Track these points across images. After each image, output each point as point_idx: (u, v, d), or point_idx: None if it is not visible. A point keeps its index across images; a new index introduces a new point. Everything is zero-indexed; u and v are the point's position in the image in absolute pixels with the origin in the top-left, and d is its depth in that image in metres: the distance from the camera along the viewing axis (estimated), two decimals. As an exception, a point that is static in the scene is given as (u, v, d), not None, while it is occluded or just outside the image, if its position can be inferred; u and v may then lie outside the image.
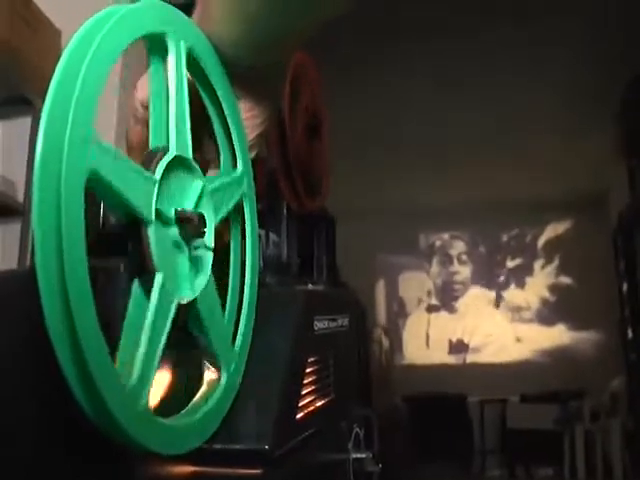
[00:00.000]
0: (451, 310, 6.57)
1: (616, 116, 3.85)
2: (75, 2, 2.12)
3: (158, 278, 0.43)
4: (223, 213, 0.53)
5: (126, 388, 0.40)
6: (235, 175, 0.56)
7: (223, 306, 0.54)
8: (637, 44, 3.15)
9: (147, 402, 0.42)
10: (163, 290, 0.43)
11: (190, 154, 0.49)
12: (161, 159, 0.46)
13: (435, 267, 6.67)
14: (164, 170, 0.45)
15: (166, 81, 0.49)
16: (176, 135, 0.48)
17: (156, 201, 0.43)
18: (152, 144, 0.48)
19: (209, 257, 0.50)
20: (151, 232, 0.43)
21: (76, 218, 0.35)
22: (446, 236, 6.63)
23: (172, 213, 0.46)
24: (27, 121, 2.10)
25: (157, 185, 0.44)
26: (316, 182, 1.05)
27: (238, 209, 0.57)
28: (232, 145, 0.57)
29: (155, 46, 0.48)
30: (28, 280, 0.37)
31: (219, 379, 0.52)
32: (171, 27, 0.48)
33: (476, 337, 6.44)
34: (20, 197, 2.06)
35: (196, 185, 0.50)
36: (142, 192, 0.42)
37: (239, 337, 0.55)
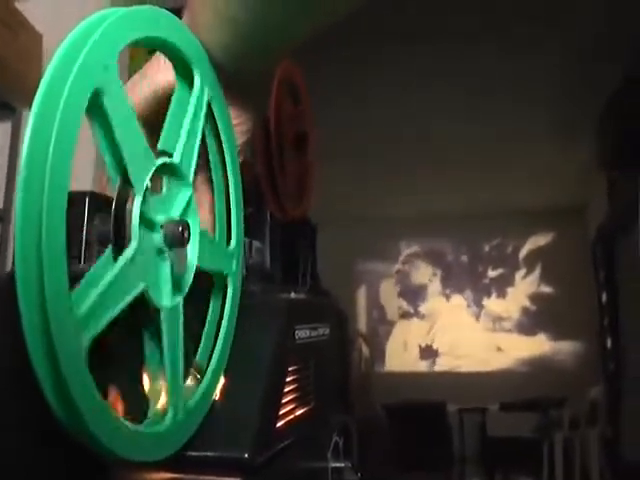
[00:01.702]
0: (431, 319, 6.59)
1: (597, 129, 3.89)
2: (57, 6, 2.12)
3: (140, 287, 0.43)
4: (206, 266, 0.53)
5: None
6: (227, 252, 0.56)
7: (205, 313, 0.54)
8: (619, 59, 3.19)
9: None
10: (132, 263, 0.42)
11: (192, 169, 0.50)
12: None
13: (416, 276, 6.69)
14: (164, 169, 0.46)
15: (189, 98, 0.51)
16: (183, 146, 0.49)
17: (142, 209, 0.43)
18: (161, 146, 0.48)
19: (192, 265, 0.50)
20: (136, 206, 0.43)
21: (57, 230, 0.35)
22: (427, 245, 6.65)
23: (157, 220, 0.46)
24: (7, 126, 2.09)
25: (155, 166, 0.45)
26: (300, 190, 1.05)
27: (222, 283, 0.57)
28: (229, 219, 0.57)
29: (180, 65, 0.51)
30: (7, 287, 0.37)
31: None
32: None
33: (456, 345, 6.46)
34: (0, 201, 2.05)
35: (184, 194, 0.50)
36: (140, 165, 0.43)
37: (219, 343, 0.55)
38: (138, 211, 0.43)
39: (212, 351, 0.54)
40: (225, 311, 0.56)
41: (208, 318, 0.56)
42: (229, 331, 0.56)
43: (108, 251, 0.42)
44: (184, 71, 0.51)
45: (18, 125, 2.08)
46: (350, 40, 2.79)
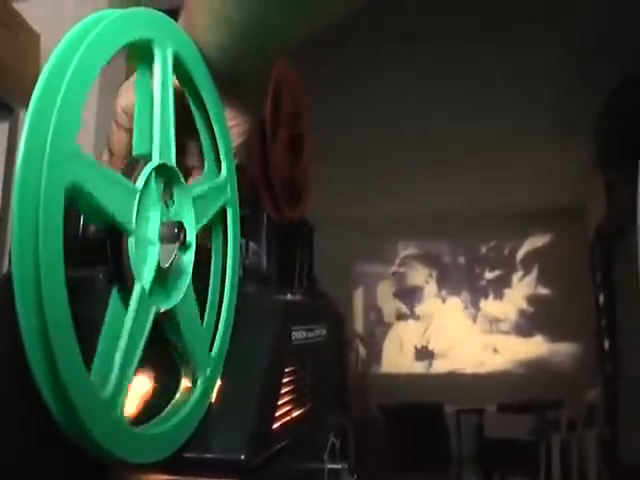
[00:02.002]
0: (428, 321, 6.58)
1: (594, 129, 3.89)
2: (55, 6, 2.12)
3: (137, 289, 0.43)
4: (205, 220, 0.53)
5: (100, 399, 0.39)
6: (218, 181, 0.56)
7: (202, 313, 0.55)
8: (618, 59, 3.19)
9: (121, 413, 0.42)
10: (142, 301, 0.43)
11: (173, 161, 0.49)
12: (143, 168, 0.45)
13: (413, 277, 6.69)
14: (146, 178, 0.45)
15: (152, 87, 0.48)
16: (160, 142, 0.48)
17: (137, 211, 0.43)
18: (135, 151, 0.48)
19: (189, 265, 0.50)
20: (131, 243, 0.43)
21: (54, 230, 0.35)
22: (425, 246, 6.65)
23: (153, 222, 0.46)
24: (5, 126, 2.09)
25: (138, 195, 0.44)
26: (296, 192, 1.05)
27: (220, 215, 0.57)
28: (216, 150, 0.57)
29: (141, 53, 0.48)
30: (4, 287, 0.37)
31: (194, 387, 0.52)
32: (157, 33, 0.48)
33: (452, 347, 6.46)
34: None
35: (178, 192, 0.49)
36: (123, 203, 0.42)
37: (216, 344, 0.55)
38: (134, 250, 0.43)
39: (211, 348, 0.54)
40: (229, 239, 0.58)
41: (212, 265, 0.57)
42: (229, 315, 0.57)
43: (115, 298, 0.42)
44: (143, 54, 0.49)
45: (16, 125, 2.07)
46: (349, 40, 2.78)
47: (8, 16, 1.93)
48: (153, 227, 0.46)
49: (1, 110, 2.05)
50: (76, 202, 0.39)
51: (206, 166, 0.56)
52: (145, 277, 0.44)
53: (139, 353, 0.42)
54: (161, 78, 0.48)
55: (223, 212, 0.57)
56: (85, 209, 0.41)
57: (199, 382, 0.52)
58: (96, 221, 0.43)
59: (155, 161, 0.47)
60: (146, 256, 0.45)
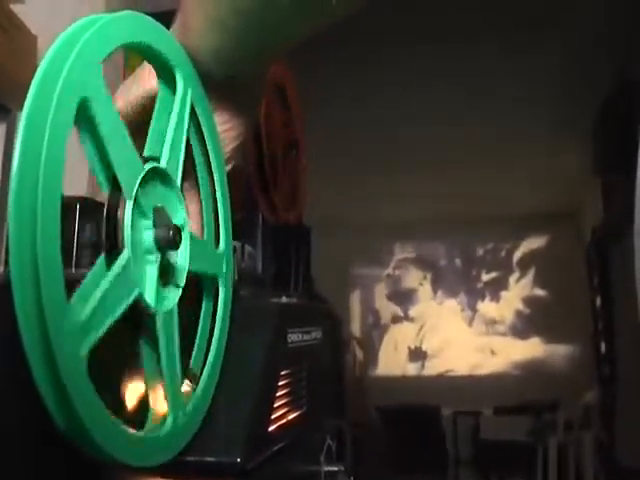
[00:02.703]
0: (424, 323, 6.59)
1: (593, 131, 3.90)
2: (52, 8, 2.12)
3: (124, 254, 0.42)
4: (197, 269, 0.53)
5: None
6: (216, 253, 0.56)
7: (197, 318, 0.55)
8: (617, 61, 3.20)
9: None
10: (125, 270, 0.42)
11: (179, 181, 0.50)
12: (154, 163, 0.47)
13: (409, 280, 6.70)
14: (150, 173, 0.46)
15: (172, 102, 0.51)
16: (170, 149, 0.49)
17: (139, 185, 0.44)
18: (146, 152, 0.48)
19: (184, 269, 0.50)
20: (128, 209, 0.43)
21: (52, 234, 0.35)
22: (422, 248, 6.65)
23: (147, 227, 0.46)
24: (1, 128, 2.09)
25: (143, 174, 0.45)
26: (292, 194, 1.05)
27: (213, 286, 0.57)
28: (217, 222, 0.57)
29: (164, 71, 0.51)
30: (1, 289, 0.37)
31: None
32: (178, 60, 0.50)
33: (449, 349, 6.46)
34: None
35: (175, 199, 0.50)
36: (130, 171, 0.43)
37: (212, 348, 0.55)
38: (130, 218, 0.43)
39: (206, 356, 0.55)
40: (217, 314, 0.56)
41: (200, 322, 0.55)
42: (222, 334, 0.56)
43: (101, 259, 0.42)
44: (166, 74, 0.51)
45: (13, 127, 2.07)
46: (349, 40, 2.79)
47: (4, 17, 1.93)
48: (148, 230, 0.46)
49: (-3, 112, 2.06)
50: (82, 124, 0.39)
51: (205, 235, 0.56)
52: (135, 252, 0.44)
53: (110, 320, 0.41)
54: (180, 104, 0.51)
55: (215, 287, 0.57)
56: (92, 145, 0.41)
57: (198, 384, 0.52)
58: (101, 175, 0.43)
59: (164, 163, 0.48)
60: (140, 236, 0.45)
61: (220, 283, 0.57)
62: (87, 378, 0.38)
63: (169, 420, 0.48)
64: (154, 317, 0.46)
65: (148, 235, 0.46)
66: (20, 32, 2.00)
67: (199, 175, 0.56)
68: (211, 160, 0.56)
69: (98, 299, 0.39)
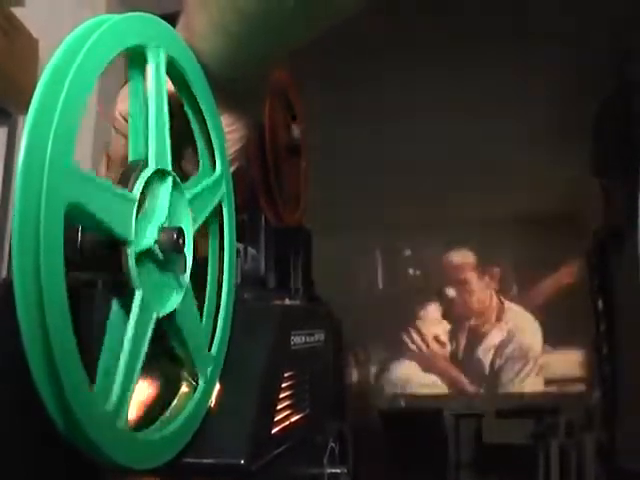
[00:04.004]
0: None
1: (593, 135, 3.89)
2: (53, 11, 2.12)
3: (137, 296, 0.43)
4: (202, 219, 0.53)
5: (104, 411, 0.40)
6: (214, 177, 0.56)
7: (200, 312, 0.55)
8: (616, 64, 3.20)
9: (125, 422, 0.42)
10: (142, 308, 0.43)
11: (169, 165, 0.49)
12: (139, 175, 0.45)
13: (411, 281, 6.69)
14: (143, 185, 0.45)
15: (145, 92, 0.48)
16: (155, 147, 0.47)
17: (135, 219, 0.43)
18: (131, 157, 0.48)
19: (187, 268, 0.50)
20: (130, 252, 0.43)
21: (55, 245, 0.35)
22: (423, 250, 6.64)
23: (151, 229, 0.45)
24: (3, 131, 2.09)
25: (136, 203, 0.44)
26: (295, 196, 1.05)
27: (217, 212, 0.57)
28: (211, 148, 0.57)
29: (135, 59, 0.48)
30: (4, 295, 0.37)
31: (193, 391, 0.52)
32: (151, 38, 0.47)
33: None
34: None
35: (175, 196, 0.49)
36: (121, 215, 0.42)
37: (215, 343, 0.55)
38: (134, 262, 0.43)
39: (209, 348, 0.54)
40: (225, 236, 0.58)
41: (209, 259, 0.56)
42: (227, 317, 0.57)
43: (116, 309, 0.42)
44: (137, 59, 0.48)
45: (14, 131, 2.07)
46: (351, 46, 2.79)
47: (6, 21, 1.93)
48: (151, 233, 0.46)
49: (-1, 116, 2.06)
50: (75, 219, 0.39)
51: (201, 164, 0.56)
52: (145, 285, 0.44)
53: (141, 362, 0.42)
54: (155, 82, 0.48)
55: (219, 209, 0.57)
56: (84, 224, 0.41)
57: (200, 383, 0.52)
58: (96, 232, 0.43)
59: (151, 167, 0.47)
60: (145, 264, 0.45)
61: (223, 204, 0.57)
62: (89, 387, 0.38)
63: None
64: (158, 321, 0.46)
65: (152, 241, 0.46)
66: (21, 35, 2.01)
67: (189, 113, 0.55)
68: (199, 103, 0.55)
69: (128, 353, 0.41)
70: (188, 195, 0.51)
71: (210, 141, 0.56)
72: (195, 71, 0.54)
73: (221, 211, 0.58)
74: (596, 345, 4.48)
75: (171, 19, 0.55)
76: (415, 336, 6.39)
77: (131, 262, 0.43)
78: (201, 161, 0.57)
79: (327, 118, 3.38)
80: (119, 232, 0.42)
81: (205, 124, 0.56)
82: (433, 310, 6.47)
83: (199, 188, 0.53)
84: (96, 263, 0.45)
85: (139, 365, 0.43)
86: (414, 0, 2.70)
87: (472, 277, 6.52)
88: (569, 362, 5.98)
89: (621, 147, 3.43)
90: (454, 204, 5.52)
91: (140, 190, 0.44)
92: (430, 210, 5.78)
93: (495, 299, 6.43)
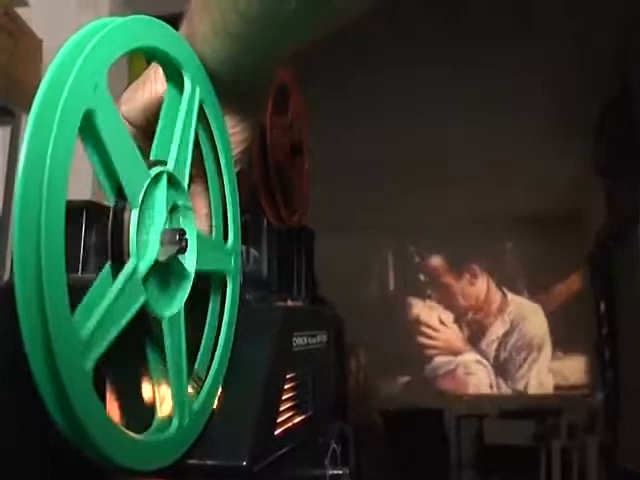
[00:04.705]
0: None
1: (595, 136, 3.90)
2: (57, 11, 2.12)
3: (130, 263, 0.42)
4: (205, 268, 0.53)
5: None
6: (225, 248, 0.56)
7: (203, 320, 0.55)
8: (618, 65, 3.20)
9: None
10: (132, 279, 0.42)
11: (186, 183, 0.50)
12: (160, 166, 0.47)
13: (414, 283, 6.69)
14: (158, 177, 0.46)
15: (179, 102, 0.51)
16: (177, 152, 0.49)
17: (145, 193, 0.44)
18: (153, 156, 0.48)
19: (191, 272, 0.50)
20: (134, 217, 0.43)
21: (57, 248, 0.35)
22: (421, 252, 6.65)
23: (153, 236, 0.46)
24: (7, 131, 2.09)
25: (149, 180, 0.45)
26: (297, 198, 1.05)
27: (221, 282, 0.57)
28: (225, 216, 0.57)
29: (171, 72, 0.51)
30: (6, 297, 0.37)
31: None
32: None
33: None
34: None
35: (171, 194, 0.49)
36: (136, 179, 0.43)
37: (219, 347, 0.55)
38: (135, 227, 0.43)
39: (212, 355, 0.55)
40: (225, 310, 0.56)
41: (207, 321, 0.55)
42: (229, 334, 0.56)
43: (106, 270, 0.42)
44: (174, 75, 0.51)
45: (17, 130, 2.08)
46: (352, 49, 2.80)
47: (10, 21, 1.93)
48: (155, 241, 0.46)
49: (3, 115, 2.06)
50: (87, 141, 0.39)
51: (214, 230, 0.56)
52: (149, 288, 0.44)
53: (116, 331, 0.41)
54: (187, 104, 0.51)
55: (224, 281, 0.57)
56: (97, 155, 0.41)
57: (204, 384, 0.53)
58: (106, 185, 0.43)
59: (170, 166, 0.48)
60: (146, 243, 0.45)
61: (229, 279, 0.57)
62: (92, 390, 0.38)
63: (173, 424, 0.48)
64: (160, 322, 0.46)
65: (155, 241, 0.46)
66: (25, 35, 2.01)
67: (207, 171, 0.56)
68: (220, 157, 0.56)
69: (103, 312, 0.39)
70: (197, 232, 0.51)
71: (225, 208, 0.57)
72: (214, 104, 0.55)
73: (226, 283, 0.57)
74: (598, 347, 4.49)
75: (173, 20, 0.55)
76: (424, 329, 6.41)
77: (132, 228, 0.43)
78: (214, 227, 0.57)
79: (330, 118, 3.39)
80: (128, 191, 0.43)
81: (223, 190, 0.57)
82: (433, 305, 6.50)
83: (210, 240, 0.54)
84: (99, 264, 0.45)
85: (110, 335, 0.42)
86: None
87: (450, 279, 6.55)
88: (571, 363, 5.98)
89: (624, 148, 3.43)
90: (454, 204, 5.52)
91: (155, 173, 0.45)
92: (430, 210, 5.78)
93: (496, 292, 6.44)
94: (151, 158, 0.48)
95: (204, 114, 0.54)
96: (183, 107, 0.50)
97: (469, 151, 4.33)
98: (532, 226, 6.06)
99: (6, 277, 1.90)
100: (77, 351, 0.36)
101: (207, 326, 0.55)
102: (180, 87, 0.51)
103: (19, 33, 1.97)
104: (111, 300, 0.40)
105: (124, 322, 0.41)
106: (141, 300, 0.43)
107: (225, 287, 0.57)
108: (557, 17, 2.90)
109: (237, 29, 0.50)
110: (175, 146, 0.49)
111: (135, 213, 0.43)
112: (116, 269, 0.42)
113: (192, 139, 0.51)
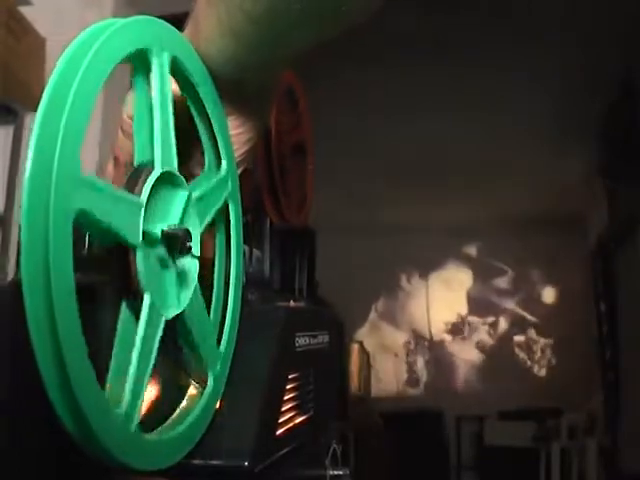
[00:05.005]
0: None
1: (597, 138, 3.89)
2: (60, 10, 2.12)
3: (146, 299, 0.43)
4: (208, 218, 0.53)
5: (115, 415, 0.40)
6: (219, 176, 0.56)
7: (207, 309, 0.55)
8: (620, 67, 3.19)
9: (136, 425, 0.42)
10: (152, 310, 0.43)
11: (175, 167, 0.49)
12: (146, 179, 0.45)
13: (415, 283, 6.69)
14: (150, 189, 0.45)
15: (150, 95, 0.48)
16: (161, 150, 0.47)
17: (143, 223, 0.43)
18: (137, 160, 0.48)
19: (194, 268, 0.50)
20: (138, 256, 0.43)
21: (64, 254, 0.36)
22: (424, 253, 6.64)
23: (158, 232, 0.45)
24: (9, 130, 2.09)
25: (143, 208, 0.44)
26: (300, 198, 1.05)
27: (223, 211, 0.57)
28: (216, 145, 0.57)
29: (139, 62, 0.48)
30: (11, 297, 0.37)
31: (202, 392, 0.52)
32: (154, 40, 0.47)
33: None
34: (1, 206, 2.05)
35: (181, 198, 0.49)
36: (129, 219, 0.42)
37: (222, 348, 0.55)
38: (142, 265, 0.43)
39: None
40: (232, 234, 0.58)
41: (216, 258, 0.57)
42: (235, 313, 0.57)
43: (125, 312, 0.43)
44: (141, 63, 0.48)
45: (20, 129, 2.08)
46: (353, 46, 2.79)
47: (13, 20, 1.93)
48: (159, 236, 0.46)
49: (6, 114, 2.06)
50: (83, 226, 0.39)
51: (206, 163, 0.56)
52: (153, 287, 0.44)
53: (152, 364, 0.43)
54: (159, 85, 0.48)
55: (225, 208, 0.57)
56: (92, 230, 0.41)
57: (210, 381, 0.53)
58: (104, 239, 0.43)
59: (157, 170, 0.47)
60: (154, 266, 0.45)
61: (230, 203, 0.57)
62: (100, 391, 0.38)
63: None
64: (167, 322, 0.46)
65: (158, 244, 0.46)
66: (28, 34, 2.01)
67: (193, 111, 0.56)
68: (204, 102, 0.55)
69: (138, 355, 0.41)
70: (194, 195, 0.51)
71: (215, 139, 0.56)
72: (201, 72, 0.54)
73: (227, 210, 0.58)
74: (599, 348, 4.49)
75: (178, 20, 0.55)
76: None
77: (140, 267, 0.43)
78: (206, 160, 0.56)
79: (334, 117, 3.39)
80: (127, 237, 0.42)
81: (210, 124, 0.56)
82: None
83: (205, 187, 0.53)
84: (104, 267, 0.45)
85: (150, 367, 0.43)
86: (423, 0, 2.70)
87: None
88: (571, 365, 5.97)
89: (626, 149, 3.43)
90: (455, 204, 5.51)
91: (147, 195, 0.44)
92: (431, 210, 5.77)
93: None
94: (135, 163, 0.48)
95: (207, 114, 0.54)
96: (155, 92, 0.48)
97: (468, 151, 4.32)
98: (534, 227, 6.05)
99: (9, 274, 1.90)
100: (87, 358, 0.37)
101: (216, 271, 0.57)
102: (148, 75, 0.49)
103: (22, 32, 1.97)
104: (141, 345, 0.42)
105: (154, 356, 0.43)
106: (163, 320, 0.44)
107: (227, 213, 0.58)
108: (559, 17, 2.90)
109: (243, 29, 0.50)
110: (158, 141, 0.48)
111: (140, 254, 0.43)
112: (134, 307, 0.43)
113: (172, 126, 0.49)
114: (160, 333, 0.44)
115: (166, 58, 0.49)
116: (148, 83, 0.48)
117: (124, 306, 0.43)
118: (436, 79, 3.41)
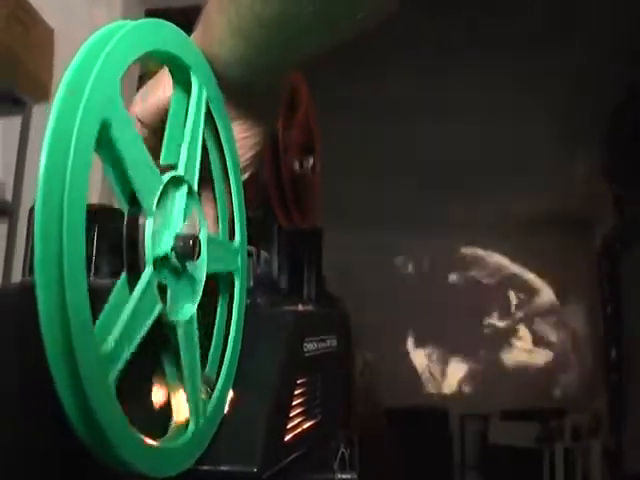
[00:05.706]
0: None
1: (604, 140, 3.88)
2: (69, 0, 2.12)
3: (147, 271, 0.42)
4: (214, 269, 0.53)
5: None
6: (232, 247, 0.56)
7: (211, 322, 0.55)
8: (627, 70, 3.19)
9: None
10: (149, 288, 0.42)
11: (195, 187, 0.50)
12: (172, 171, 0.47)
13: (419, 283, 6.68)
14: (169, 182, 0.46)
15: (187, 109, 0.50)
16: (186, 161, 0.48)
17: (159, 199, 0.44)
18: (163, 161, 0.48)
19: (202, 278, 0.50)
20: (148, 226, 0.43)
21: (77, 249, 0.35)
22: (429, 253, 6.63)
23: (167, 238, 0.45)
24: (17, 120, 2.09)
25: (162, 186, 0.45)
26: (308, 199, 1.05)
27: (229, 280, 0.57)
28: (232, 215, 0.57)
29: (178, 73, 0.50)
30: (23, 299, 0.37)
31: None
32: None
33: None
34: (9, 196, 2.06)
35: (189, 204, 0.49)
36: (150, 185, 0.43)
37: (228, 352, 0.55)
38: (150, 237, 0.43)
39: (222, 356, 0.54)
40: (233, 309, 0.57)
41: (217, 320, 0.56)
42: (238, 331, 0.56)
43: (122, 280, 0.42)
44: (181, 76, 0.51)
45: (28, 119, 2.08)
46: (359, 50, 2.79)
47: (22, 11, 1.93)
48: (167, 242, 0.46)
49: (14, 104, 2.06)
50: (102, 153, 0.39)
51: (220, 228, 0.57)
52: (162, 294, 0.44)
53: (136, 343, 0.41)
54: (195, 106, 0.50)
55: (231, 282, 0.57)
56: (111, 162, 0.41)
57: (216, 389, 0.53)
58: (119, 193, 0.43)
59: (181, 170, 0.48)
60: (162, 272, 0.45)
61: (236, 278, 0.57)
62: (117, 404, 0.38)
63: (189, 429, 0.48)
64: (174, 327, 0.46)
65: (168, 248, 0.46)
66: (37, 24, 2.00)
67: (213, 171, 0.56)
68: (226, 159, 0.56)
69: (123, 326, 0.39)
70: (206, 235, 0.51)
71: (231, 206, 0.57)
72: (223, 117, 0.55)
73: (233, 284, 0.57)
74: (604, 350, 4.48)
75: (186, 13, 0.55)
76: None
77: (147, 236, 0.43)
78: (220, 225, 0.57)
79: (342, 116, 3.39)
80: (142, 199, 0.42)
81: (229, 189, 0.57)
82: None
83: (218, 239, 0.54)
84: (111, 267, 0.45)
85: (133, 343, 0.42)
86: (426, 2, 2.69)
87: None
88: (576, 366, 5.97)
89: (632, 152, 3.43)
90: (464, 204, 5.50)
91: (168, 179, 0.45)
92: (441, 210, 5.77)
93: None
94: (161, 163, 0.48)
95: (211, 117, 0.54)
96: (191, 109, 0.50)
97: (475, 154, 4.32)
98: (537, 228, 6.04)
99: (16, 272, 1.90)
100: (99, 364, 0.36)
101: (216, 326, 0.56)
102: (187, 90, 0.51)
103: (31, 22, 1.96)
104: (130, 314, 0.40)
105: (143, 332, 0.41)
106: (158, 309, 0.43)
107: (232, 287, 0.57)
108: (568, 20, 2.89)
109: (253, 31, 0.50)
110: (184, 150, 0.49)
111: (150, 223, 0.43)
112: (132, 280, 0.42)
113: (200, 142, 0.51)
114: (151, 320, 0.43)
115: (205, 92, 0.52)
116: (188, 95, 0.51)
117: (122, 279, 0.42)
118: (444, 80, 3.41)
